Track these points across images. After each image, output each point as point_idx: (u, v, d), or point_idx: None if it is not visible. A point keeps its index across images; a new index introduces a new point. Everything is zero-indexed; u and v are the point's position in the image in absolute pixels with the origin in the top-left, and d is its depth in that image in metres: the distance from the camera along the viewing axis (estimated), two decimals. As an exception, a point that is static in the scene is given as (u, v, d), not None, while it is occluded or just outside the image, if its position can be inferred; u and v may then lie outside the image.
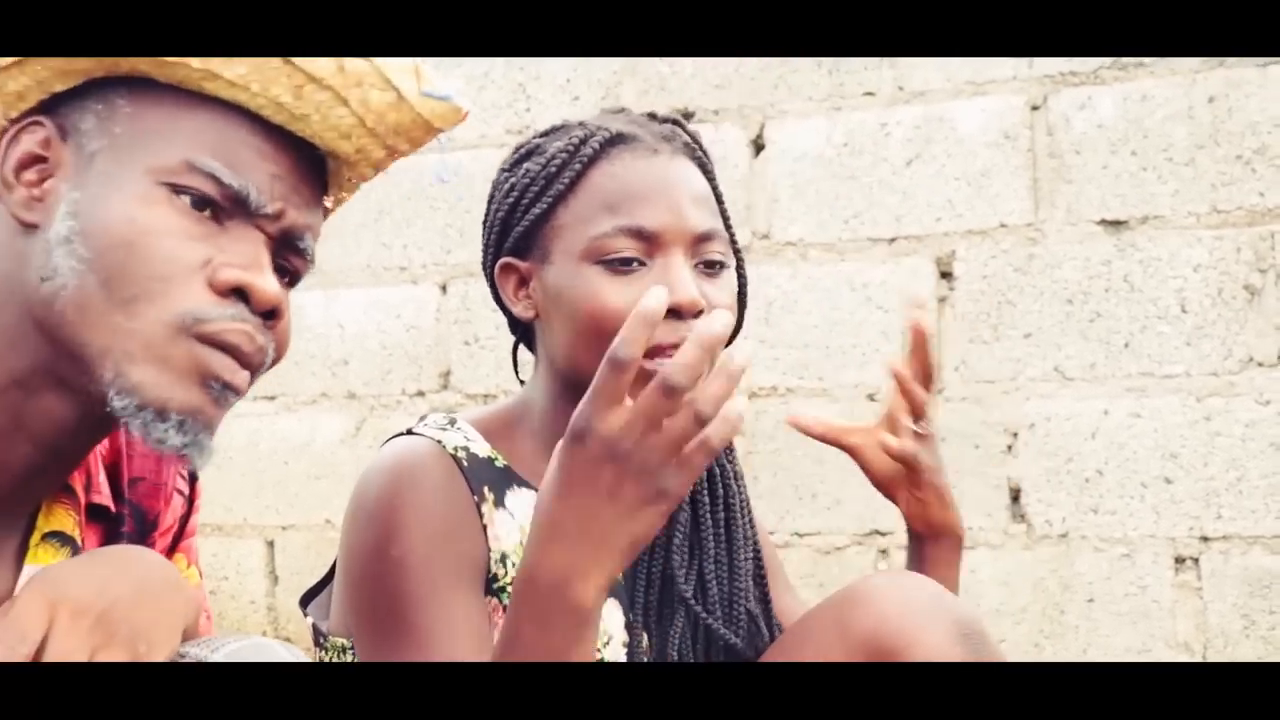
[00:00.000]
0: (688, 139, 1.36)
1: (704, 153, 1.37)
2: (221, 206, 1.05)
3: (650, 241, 1.27)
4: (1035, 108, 2.92)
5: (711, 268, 1.30)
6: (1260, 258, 2.75)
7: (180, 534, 1.30)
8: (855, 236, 3.07)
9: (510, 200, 1.34)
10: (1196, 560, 2.83)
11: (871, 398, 3.05)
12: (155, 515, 1.24)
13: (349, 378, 3.63)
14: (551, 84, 3.37)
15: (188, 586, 1.08)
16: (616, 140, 1.32)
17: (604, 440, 1.00)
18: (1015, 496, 2.97)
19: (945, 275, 3.01)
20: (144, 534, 1.23)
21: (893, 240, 3.04)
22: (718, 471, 1.40)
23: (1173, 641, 2.84)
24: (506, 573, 1.28)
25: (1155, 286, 2.83)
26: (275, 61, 1.02)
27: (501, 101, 3.43)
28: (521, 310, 1.34)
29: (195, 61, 1.00)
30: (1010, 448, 2.96)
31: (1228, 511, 2.79)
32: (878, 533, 3.04)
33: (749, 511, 1.43)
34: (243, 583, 3.83)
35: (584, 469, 1.01)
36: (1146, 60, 2.82)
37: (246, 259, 1.05)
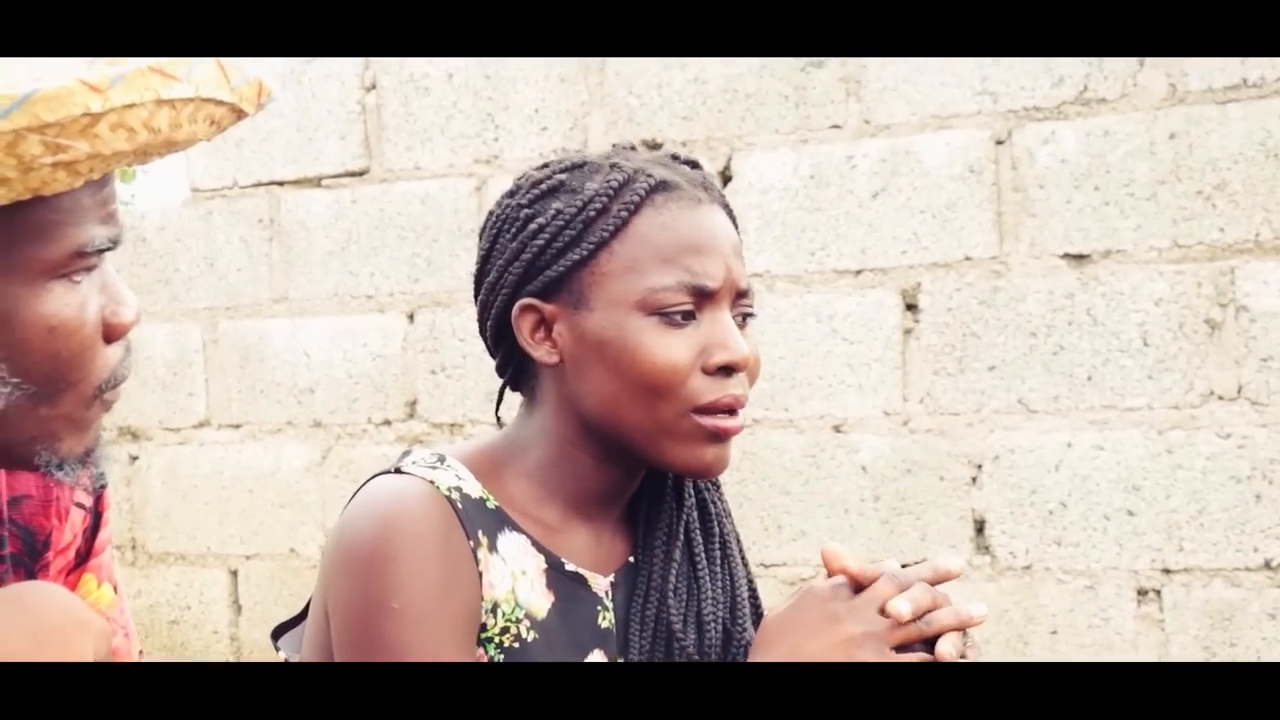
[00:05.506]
0: (719, 188, 1.35)
1: (728, 200, 1.37)
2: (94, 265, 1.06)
3: (704, 296, 1.26)
4: (1000, 142, 2.95)
5: (745, 321, 1.30)
6: (1221, 292, 2.78)
7: (88, 551, 1.25)
8: (821, 268, 3.08)
9: (540, 240, 1.27)
10: (1159, 592, 2.84)
11: (837, 429, 3.06)
12: (46, 534, 1.20)
13: (315, 406, 3.62)
14: (520, 114, 3.38)
15: (93, 618, 1.05)
16: (661, 187, 1.28)
17: (827, 601, 1.21)
18: (980, 528, 2.98)
19: (910, 307, 3.03)
20: (35, 554, 1.19)
21: (859, 272, 3.06)
22: (710, 508, 1.36)
23: (1135, 673, 2.86)
24: (496, 622, 1.23)
25: (1118, 320, 2.85)
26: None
27: (470, 131, 3.44)
28: (544, 354, 1.28)
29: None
30: (975, 480, 2.98)
31: (1189, 544, 2.81)
32: (843, 564, 3.04)
33: (741, 548, 1.41)
34: (206, 612, 3.81)
35: (800, 614, 1.21)
36: (1109, 96, 2.85)
37: (124, 301, 1.08)
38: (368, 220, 3.56)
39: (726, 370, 1.25)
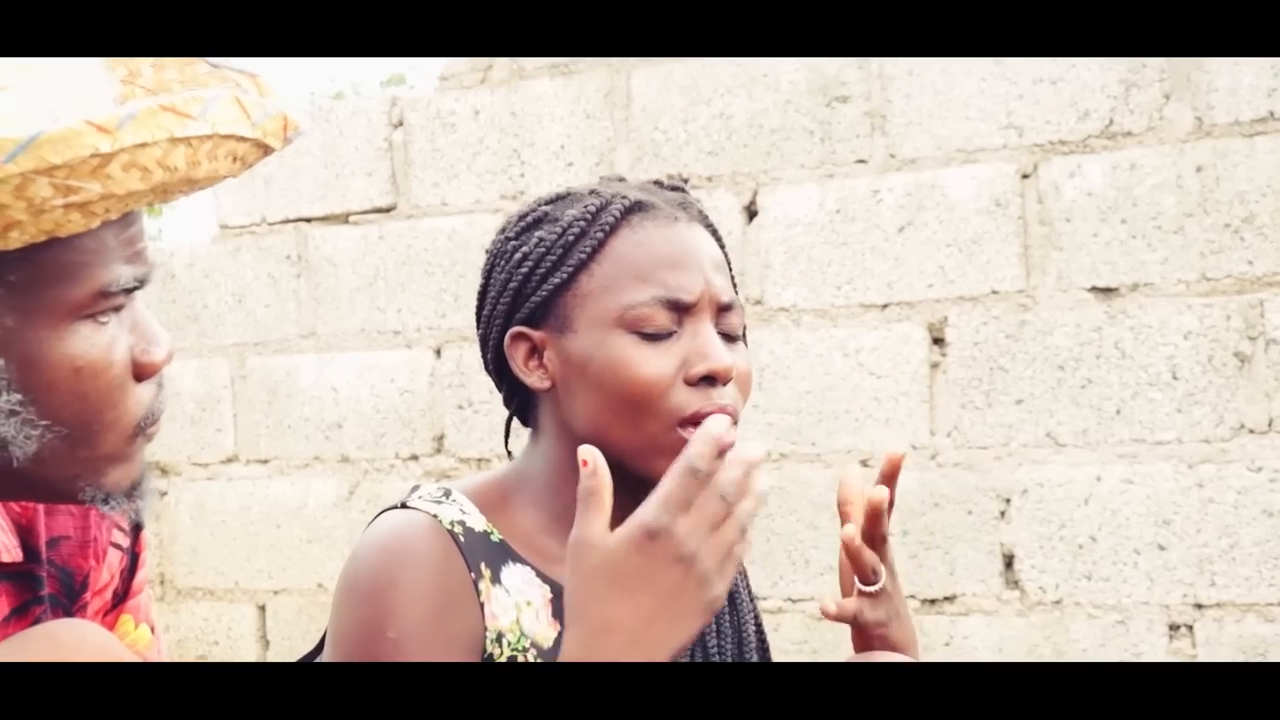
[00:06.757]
0: (699, 207, 1.36)
1: (712, 220, 1.38)
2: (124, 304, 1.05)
3: (683, 310, 1.27)
4: (1026, 176, 2.95)
5: (731, 339, 1.31)
6: (1250, 325, 2.76)
7: (125, 592, 1.25)
8: (848, 302, 3.08)
9: (524, 269, 1.31)
10: (1191, 627, 2.82)
11: (865, 463, 3.06)
12: (84, 575, 1.19)
13: (343, 441, 3.63)
14: (546, 150, 3.40)
15: (127, 657, 1.06)
16: (636, 208, 1.31)
17: (678, 543, 1.06)
18: (1009, 563, 2.97)
19: (937, 341, 3.02)
20: (73, 595, 1.19)
21: (885, 306, 3.06)
22: None
23: (1167, 709, 2.83)
24: (502, 652, 1.24)
25: (1146, 353, 2.84)
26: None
27: (496, 167, 3.45)
28: (536, 380, 1.30)
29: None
30: (1003, 514, 2.96)
31: (1221, 579, 2.79)
32: (871, 599, 3.03)
33: (748, 582, 1.42)
34: (234, 647, 3.81)
35: (654, 569, 1.06)
36: (1135, 129, 2.85)
37: (155, 340, 1.07)
38: (395, 256, 3.57)
39: (709, 381, 1.26)
